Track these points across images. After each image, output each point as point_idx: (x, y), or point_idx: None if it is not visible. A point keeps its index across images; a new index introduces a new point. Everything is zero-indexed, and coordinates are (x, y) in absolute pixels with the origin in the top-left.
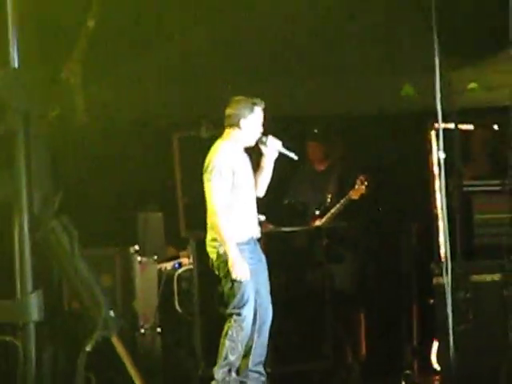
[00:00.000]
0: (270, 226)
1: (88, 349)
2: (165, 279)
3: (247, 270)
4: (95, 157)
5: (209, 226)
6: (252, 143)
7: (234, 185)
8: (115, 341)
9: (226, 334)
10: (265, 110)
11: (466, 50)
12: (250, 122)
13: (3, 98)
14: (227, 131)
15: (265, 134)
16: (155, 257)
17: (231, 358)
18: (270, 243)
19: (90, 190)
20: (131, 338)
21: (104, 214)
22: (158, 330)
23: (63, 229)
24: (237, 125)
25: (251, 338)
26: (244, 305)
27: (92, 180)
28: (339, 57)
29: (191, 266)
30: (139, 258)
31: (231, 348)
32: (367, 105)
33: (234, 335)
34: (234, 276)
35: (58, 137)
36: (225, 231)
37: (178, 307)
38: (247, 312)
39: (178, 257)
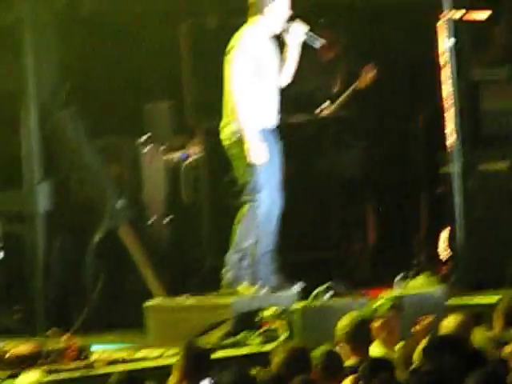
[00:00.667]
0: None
1: (96, 239)
2: (172, 169)
3: (266, 153)
4: (102, 47)
5: (228, 109)
6: (277, 30)
7: (257, 70)
8: (123, 231)
9: (240, 220)
10: None
11: None
12: (273, 9)
13: None
14: (252, 19)
15: (291, 20)
16: (163, 147)
17: (244, 244)
18: (277, 133)
19: (97, 81)
20: (139, 229)
21: (111, 104)
22: (166, 220)
23: (71, 119)
24: (260, 12)
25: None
26: (259, 190)
27: (100, 70)
28: None
29: (199, 155)
30: (146, 148)
31: (243, 234)
32: None
33: (248, 222)
34: (251, 159)
35: (66, 27)
36: (245, 114)
37: (184, 197)
38: (263, 197)
39: (185, 147)
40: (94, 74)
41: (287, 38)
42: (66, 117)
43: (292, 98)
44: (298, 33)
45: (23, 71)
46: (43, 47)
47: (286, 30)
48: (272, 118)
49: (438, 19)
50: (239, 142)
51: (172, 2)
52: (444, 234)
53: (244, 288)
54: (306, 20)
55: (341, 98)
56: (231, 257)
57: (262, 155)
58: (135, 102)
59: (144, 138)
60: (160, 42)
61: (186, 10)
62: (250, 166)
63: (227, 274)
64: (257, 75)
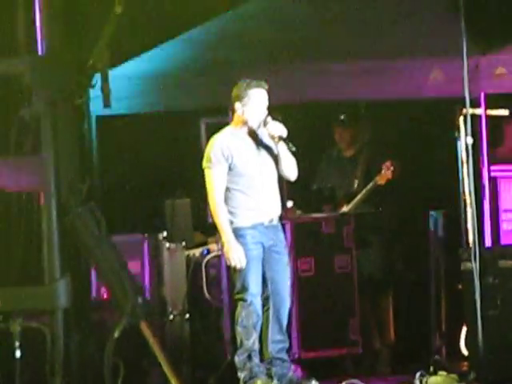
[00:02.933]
0: (298, 212)
1: (116, 335)
2: (193, 265)
3: (241, 255)
4: (122, 144)
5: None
6: (253, 126)
7: (233, 170)
8: (143, 327)
9: (237, 320)
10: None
11: (493, 35)
12: (246, 105)
13: (29, 84)
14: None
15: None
16: (183, 243)
17: (247, 343)
18: (298, 229)
19: (117, 177)
20: (160, 325)
21: (132, 201)
22: (187, 316)
23: (91, 215)
24: (233, 108)
25: (267, 325)
26: (246, 290)
27: (120, 166)
28: (365, 41)
29: (219, 253)
30: (167, 245)
31: (244, 333)
32: (394, 89)
33: (244, 321)
34: (227, 261)
35: (85, 123)
36: (217, 215)
37: (206, 293)
38: (251, 297)
39: (206, 243)
40: (114, 170)
41: (268, 132)
42: (85, 212)
43: (312, 194)
44: (275, 130)
45: (43, 167)
46: (62, 143)
47: (264, 125)
48: (260, 215)
49: (458, 115)
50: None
51: (192, 100)
52: (463, 331)
53: None
54: (326, 117)
55: (360, 194)
56: (239, 358)
57: (235, 257)
58: (156, 197)
59: (165, 234)
60: (180, 139)
61: (206, 107)
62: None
63: (241, 376)
64: (232, 174)
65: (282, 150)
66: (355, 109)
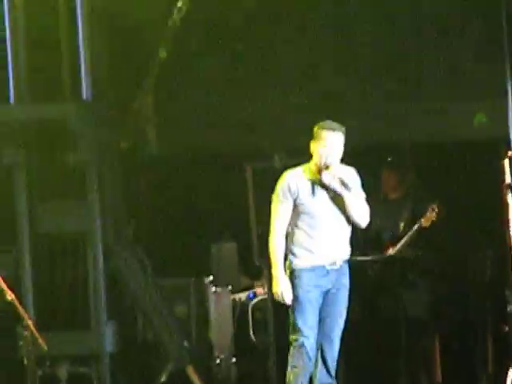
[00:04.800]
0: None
1: (163, 379)
2: (239, 309)
3: (286, 291)
4: (168, 187)
5: None
6: (322, 167)
7: (298, 207)
8: (190, 371)
9: (288, 361)
10: (346, 138)
11: None
12: (316, 144)
13: (75, 130)
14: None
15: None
16: (229, 287)
17: None
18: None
19: (164, 221)
20: (207, 369)
21: (178, 245)
22: (234, 360)
23: (137, 259)
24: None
25: (316, 368)
26: (298, 331)
27: (166, 211)
28: (411, 84)
29: (265, 296)
30: (214, 289)
31: (293, 374)
32: (440, 132)
33: (295, 362)
34: (274, 295)
35: (131, 168)
36: (272, 248)
37: (253, 337)
38: (303, 339)
39: (252, 287)
40: (159, 214)
41: (326, 178)
42: (131, 256)
43: (358, 237)
44: (331, 176)
45: (89, 211)
46: (108, 187)
47: (323, 169)
48: (322, 258)
49: (503, 156)
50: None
51: (238, 142)
52: (510, 373)
53: None
54: (373, 159)
55: (406, 237)
56: None
57: (283, 293)
58: (202, 241)
59: (211, 277)
60: (226, 183)
61: (251, 151)
62: (293, 304)
63: None
64: (296, 213)
65: (347, 195)
66: (402, 151)
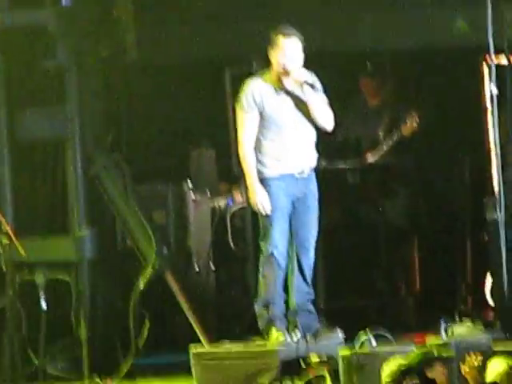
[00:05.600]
0: (323, 163)
1: (141, 286)
2: (218, 216)
3: (264, 200)
4: (147, 94)
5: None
6: (282, 74)
7: (264, 117)
8: (168, 278)
9: (259, 270)
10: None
11: None
12: (274, 53)
13: (54, 35)
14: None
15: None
16: (208, 193)
17: (264, 294)
18: (323, 179)
19: (143, 128)
20: (185, 275)
21: (157, 152)
22: (212, 267)
23: (115, 165)
24: (267, 56)
25: (292, 277)
26: (268, 240)
27: (145, 117)
28: None
29: (245, 204)
30: (192, 195)
31: (263, 283)
32: (419, 39)
33: (265, 271)
34: (252, 205)
35: (110, 75)
36: (244, 160)
37: (231, 244)
38: (272, 247)
39: (230, 192)
40: (138, 121)
41: (287, 84)
42: (110, 163)
43: (337, 145)
44: (299, 76)
45: (68, 118)
46: (87, 94)
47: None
48: (289, 166)
49: (482, 63)
50: None
51: (217, 49)
52: (489, 280)
53: (273, 336)
54: (352, 66)
55: (385, 145)
56: (257, 307)
57: (260, 201)
58: (181, 148)
59: (190, 184)
60: (205, 89)
61: (232, 56)
62: (260, 214)
63: (259, 324)
64: (262, 122)
65: (312, 97)
66: (380, 58)
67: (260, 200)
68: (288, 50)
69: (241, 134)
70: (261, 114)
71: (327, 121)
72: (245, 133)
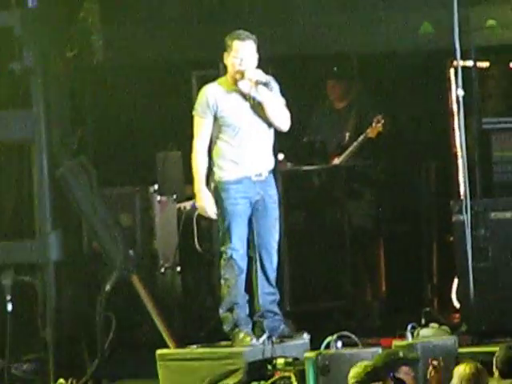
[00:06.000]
0: (289, 165)
1: (107, 288)
2: (184, 218)
3: (207, 205)
4: (113, 96)
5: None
6: (236, 77)
7: (219, 120)
8: (135, 280)
9: (221, 274)
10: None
11: None
12: (230, 55)
13: (20, 37)
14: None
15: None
16: (174, 196)
17: (228, 296)
18: (288, 181)
19: (108, 130)
20: (151, 278)
21: (123, 154)
22: (178, 269)
23: (81, 168)
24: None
25: (256, 280)
26: (227, 243)
27: (110, 119)
28: None
29: None
30: (158, 198)
31: (226, 286)
32: (386, 42)
33: (226, 274)
34: (198, 209)
35: (76, 76)
36: (194, 162)
37: (197, 246)
38: (232, 251)
39: None
40: (105, 123)
41: (243, 87)
42: (76, 166)
43: (303, 147)
44: (253, 76)
45: (34, 120)
46: (53, 96)
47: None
48: (246, 169)
49: (449, 67)
50: (214, 193)
51: (183, 51)
52: (455, 283)
53: (239, 338)
54: (318, 69)
55: (351, 147)
56: (222, 310)
57: (203, 205)
58: (147, 150)
59: (156, 186)
60: (172, 91)
61: (199, 59)
62: (220, 217)
63: (225, 328)
64: (217, 126)
65: (266, 97)
66: (347, 61)
67: (205, 205)
68: (241, 52)
69: (195, 140)
70: (216, 117)
71: (283, 121)
72: (198, 138)
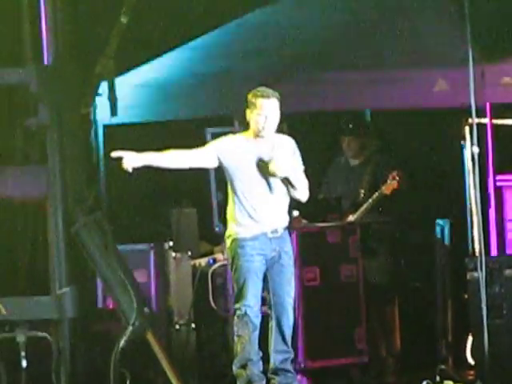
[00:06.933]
0: (304, 221)
1: (122, 345)
2: (199, 275)
3: (127, 163)
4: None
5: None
6: (259, 134)
7: (238, 177)
8: (150, 337)
9: (234, 331)
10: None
11: (498, 44)
12: (252, 113)
13: (36, 94)
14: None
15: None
16: (189, 253)
17: (242, 353)
18: (303, 238)
19: (123, 186)
20: (166, 334)
21: (138, 210)
22: (193, 325)
23: (96, 225)
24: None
25: (271, 336)
26: (242, 300)
27: (125, 175)
28: (373, 51)
29: (225, 262)
30: (173, 254)
31: (239, 343)
32: (401, 99)
33: (240, 330)
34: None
35: (92, 132)
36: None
37: (212, 303)
38: (246, 308)
39: (212, 252)
40: (120, 179)
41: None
42: (91, 222)
43: (318, 204)
44: (275, 169)
45: (49, 176)
46: (69, 152)
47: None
48: (261, 225)
49: (464, 124)
50: (230, 249)
51: (198, 108)
52: (469, 340)
53: None
54: (334, 125)
55: (366, 204)
56: (235, 367)
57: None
58: (162, 207)
59: (171, 243)
60: (186, 148)
61: (213, 116)
62: (236, 274)
63: None
64: (231, 182)
65: (292, 182)
66: (363, 118)
67: (125, 161)
68: (266, 110)
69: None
70: (234, 171)
71: (303, 194)
72: (191, 151)
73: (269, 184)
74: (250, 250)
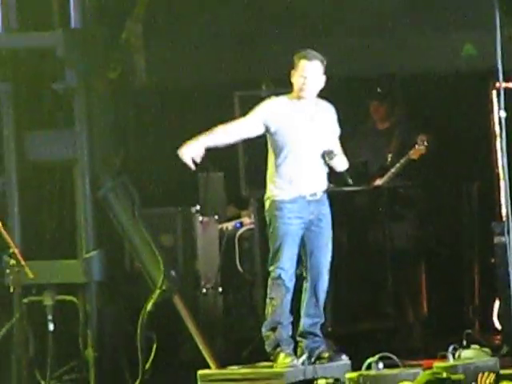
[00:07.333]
0: (331, 186)
1: (149, 308)
2: (226, 239)
3: (186, 157)
4: (156, 117)
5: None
6: (303, 97)
7: (277, 137)
8: (176, 300)
9: (267, 293)
10: (326, 66)
11: None
12: (294, 75)
13: (63, 58)
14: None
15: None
16: (216, 216)
17: (272, 316)
18: (330, 203)
19: (150, 150)
20: (193, 298)
21: (165, 174)
22: (220, 289)
23: (124, 188)
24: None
25: (304, 299)
26: (276, 263)
27: (153, 140)
28: (401, 16)
29: (253, 226)
30: (200, 218)
31: (271, 305)
32: (428, 64)
33: (272, 293)
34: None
35: (119, 97)
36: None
37: (239, 267)
38: (280, 270)
39: (239, 216)
40: (147, 144)
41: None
42: (118, 186)
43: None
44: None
45: (76, 140)
46: (96, 116)
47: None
48: (300, 188)
49: (491, 88)
50: (268, 211)
51: (225, 72)
52: (496, 305)
53: (280, 358)
54: (362, 90)
55: (394, 168)
56: (265, 329)
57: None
58: (189, 171)
59: (198, 207)
60: (214, 112)
61: (240, 80)
62: (272, 236)
63: (267, 347)
64: (273, 143)
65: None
66: (390, 83)
67: (184, 152)
68: (306, 71)
69: (233, 121)
70: (277, 133)
71: (343, 165)
72: (236, 122)
73: (311, 146)
74: (288, 212)
